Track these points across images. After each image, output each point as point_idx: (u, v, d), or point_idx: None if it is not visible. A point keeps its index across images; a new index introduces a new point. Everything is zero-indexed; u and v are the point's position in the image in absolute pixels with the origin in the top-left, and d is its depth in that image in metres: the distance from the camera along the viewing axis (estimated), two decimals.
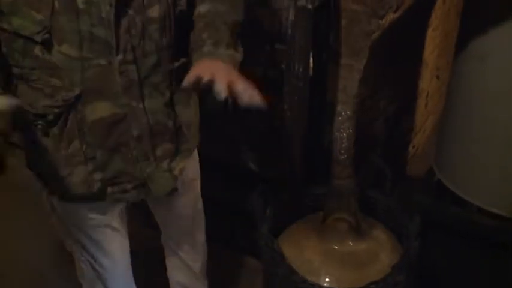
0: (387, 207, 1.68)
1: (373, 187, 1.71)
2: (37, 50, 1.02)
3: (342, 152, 1.44)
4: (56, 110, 1.08)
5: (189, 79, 1.01)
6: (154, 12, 1.09)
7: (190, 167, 1.40)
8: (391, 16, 1.74)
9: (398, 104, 2.08)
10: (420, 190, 2.11)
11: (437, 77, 2.38)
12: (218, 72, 1.00)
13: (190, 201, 1.50)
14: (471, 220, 1.86)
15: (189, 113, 1.29)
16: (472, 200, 1.85)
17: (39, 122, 1.11)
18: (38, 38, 1.00)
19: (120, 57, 1.05)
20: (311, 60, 1.58)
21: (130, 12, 1.05)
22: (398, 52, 1.96)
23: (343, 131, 1.42)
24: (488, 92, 1.71)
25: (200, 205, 1.55)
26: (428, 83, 2.30)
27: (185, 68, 1.14)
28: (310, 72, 1.59)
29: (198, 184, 1.50)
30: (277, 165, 1.77)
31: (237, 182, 2.00)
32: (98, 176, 1.18)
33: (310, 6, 1.54)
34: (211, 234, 1.66)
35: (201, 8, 1.18)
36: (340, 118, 1.47)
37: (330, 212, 1.56)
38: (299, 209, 1.69)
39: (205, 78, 0.97)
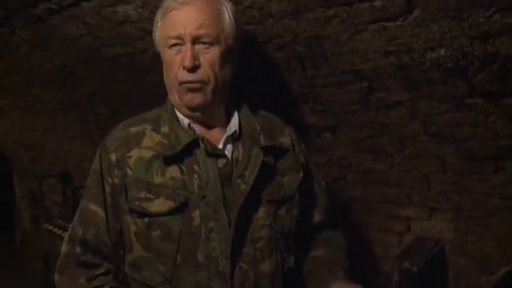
0: None
1: None
2: None
3: None
4: None
5: None
6: (266, 267, 1.19)
7: None
8: (503, 270, 1.73)
9: None
10: None
11: None
12: None
13: None
14: None
15: None
16: None
17: None
18: None
19: None
20: None
21: (244, 266, 1.15)
22: None
23: None
24: None
25: None
26: None
27: None
28: None
29: None
30: None
31: None
32: None
33: (415, 269, 1.59)
34: None
35: (317, 252, 1.29)
36: None
37: None
38: None
39: None
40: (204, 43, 1.16)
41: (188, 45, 1.15)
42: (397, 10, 1.18)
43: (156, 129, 1.23)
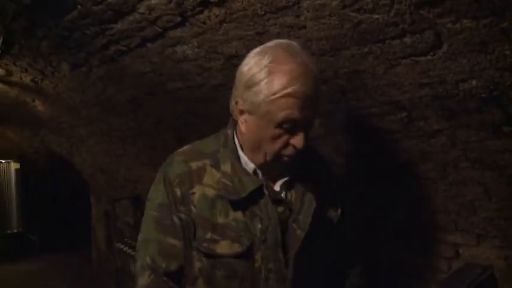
0: None
1: None
2: None
3: None
4: None
5: None
6: None
7: None
8: None
9: None
10: None
11: None
12: None
13: None
14: None
15: None
16: None
17: None
18: None
19: None
20: None
21: None
22: None
23: None
24: None
25: None
26: None
27: None
28: None
29: None
30: None
31: None
32: None
33: None
34: None
35: None
36: None
37: None
38: None
39: None
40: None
41: (303, 129, 1.15)
42: (425, 46, 1.25)
43: (215, 165, 1.24)
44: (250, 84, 1.14)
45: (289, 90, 1.10)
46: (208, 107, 2.32)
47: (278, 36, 1.44)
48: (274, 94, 1.11)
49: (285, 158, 1.19)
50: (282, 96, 1.10)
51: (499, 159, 1.48)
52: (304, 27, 1.40)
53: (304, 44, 1.47)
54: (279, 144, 1.16)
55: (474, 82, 1.29)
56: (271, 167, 1.23)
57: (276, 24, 1.45)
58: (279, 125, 1.13)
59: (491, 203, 1.63)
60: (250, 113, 1.18)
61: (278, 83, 1.10)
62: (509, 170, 1.50)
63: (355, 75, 1.51)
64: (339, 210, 1.37)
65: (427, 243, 1.93)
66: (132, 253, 4.01)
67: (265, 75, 1.12)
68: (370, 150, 1.85)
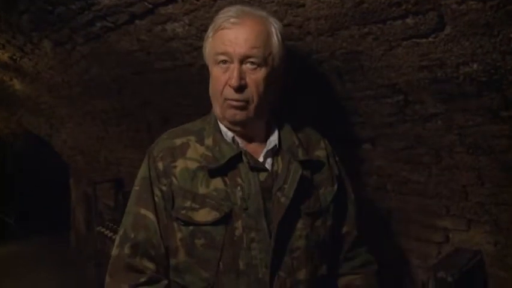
0: None
1: None
2: None
3: None
4: None
5: None
6: (302, 275, 1.24)
7: None
8: None
9: None
10: None
11: None
12: None
13: None
14: None
15: None
16: None
17: None
18: None
19: None
20: None
21: (282, 274, 1.20)
22: None
23: None
24: None
25: None
26: None
27: None
28: None
29: None
30: None
31: None
32: None
33: (450, 279, 1.61)
34: None
35: (357, 281, 1.34)
36: None
37: None
38: None
39: None
40: (252, 63, 1.21)
41: (236, 65, 1.20)
42: (428, 27, 1.22)
43: (200, 141, 1.29)
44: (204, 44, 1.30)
45: (224, 24, 1.21)
46: (197, 87, 2.27)
47: (275, 14, 1.39)
48: (214, 32, 1.25)
49: (230, 103, 1.23)
50: (217, 31, 1.23)
51: (494, 144, 1.48)
52: (303, 5, 1.36)
53: (301, 23, 1.43)
54: (220, 85, 1.23)
55: (475, 65, 1.27)
56: (233, 123, 1.26)
57: (273, 2, 1.40)
58: (217, 62, 1.23)
59: (484, 189, 1.63)
60: (208, 65, 1.31)
61: (217, 22, 1.24)
62: (504, 155, 1.49)
63: (352, 57, 1.48)
64: (335, 186, 1.35)
65: (418, 228, 1.93)
66: (114, 236, 3.95)
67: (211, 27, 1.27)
68: (363, 133, 1.82)
